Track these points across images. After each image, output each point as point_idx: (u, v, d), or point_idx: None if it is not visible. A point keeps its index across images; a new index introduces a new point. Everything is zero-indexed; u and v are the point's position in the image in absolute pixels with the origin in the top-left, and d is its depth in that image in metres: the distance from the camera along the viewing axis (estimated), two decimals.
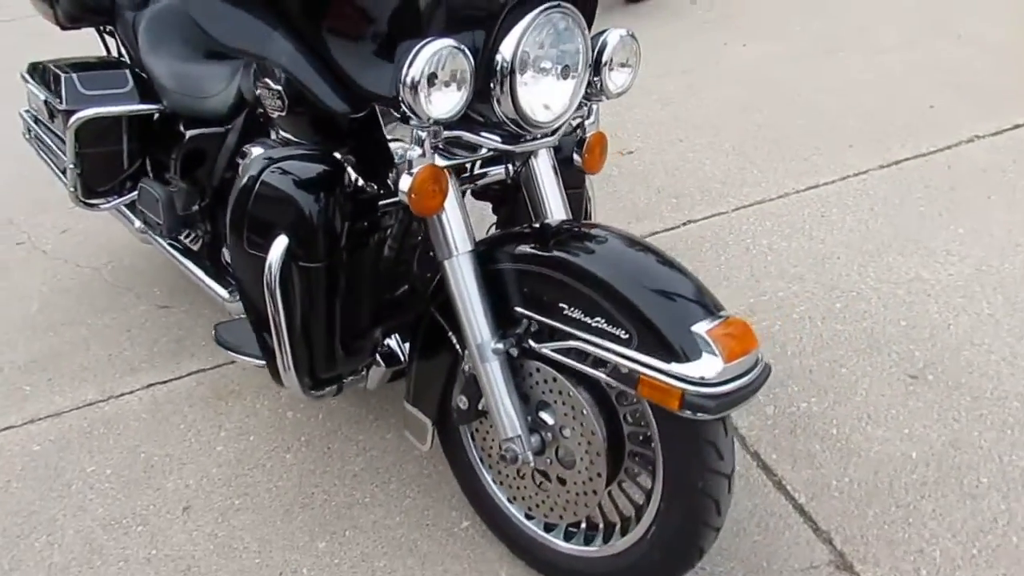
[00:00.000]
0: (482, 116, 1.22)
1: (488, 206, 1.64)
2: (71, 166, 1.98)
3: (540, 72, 1.18)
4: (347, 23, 1.17)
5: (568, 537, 1.40)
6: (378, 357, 1.55)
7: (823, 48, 3.90)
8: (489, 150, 1.27)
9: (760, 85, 3.53)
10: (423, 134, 1.15)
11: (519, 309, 1.25)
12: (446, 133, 1.18)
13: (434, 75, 1.09)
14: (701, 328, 1.08)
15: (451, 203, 1.23)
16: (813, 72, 3.61)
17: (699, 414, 1.06)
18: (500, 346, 1.25)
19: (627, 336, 1.11)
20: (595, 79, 1.31)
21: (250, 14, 1.19)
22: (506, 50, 1.13)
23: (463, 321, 1.25)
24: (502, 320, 1.27)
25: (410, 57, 1.07)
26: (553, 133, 1.27)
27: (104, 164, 2.10)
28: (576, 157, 1.43)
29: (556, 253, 1.21)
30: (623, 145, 3.14)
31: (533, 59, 1.16)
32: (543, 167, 1.37)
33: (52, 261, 2.74)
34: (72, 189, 2.03)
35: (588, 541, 1.38)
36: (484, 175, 1.42)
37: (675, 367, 1.07)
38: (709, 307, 1.13)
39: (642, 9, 4.74)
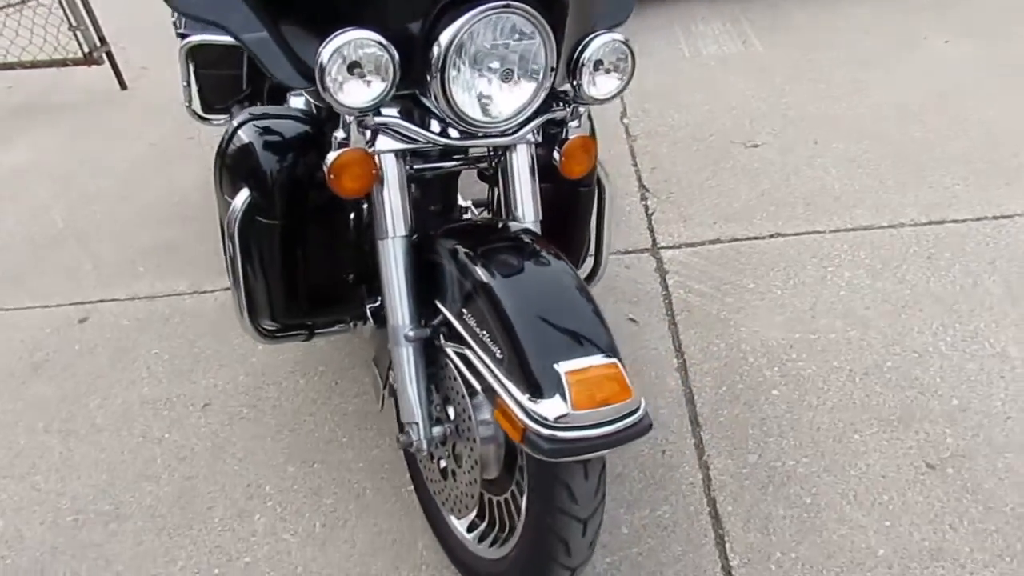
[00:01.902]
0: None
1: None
2: (184, 84, 2.22)
3: (485, 71, 1.17)
4: (296, 3, 1.21)
5: (470, 529, 1.45)
6: (369, 313, 1.64)
7: None
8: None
9: (938, 92, 3.09)
10: (348, 118, 1.18)
11: (437, 303, 1.28)
12: (378, 119, 1.20)
13: (356, 64, 1.11)
14: (564, 367, 1.06)
15: (390, 187, 1.26)
16: (1009, 88, 3.09)
17: (536, 453, 1.05)
18: (412, 333, 1.29)
19: (500, 356, 1.11)
20: (575, 82, 1.26)
21: None
22: (439, 46, 1.12)
23: (386, 302, 1.30)
24: (425, 309, 1.30)
25: (321, 46, 1.09)
26: (511, 133, 1.26)
27: (219, 84, 2.33)
28: (556, 156, 1.39)
29: (472, 258, 1.21)
30: (750, 136, 2.93)
31: (474, 57, 1.15)
32: (517, 164, 1.35)
33: (210, 159, 3.10)
34: (185, 103, 2.28)
35: (482, 539, 1.42)
36: (442, 165, 1.41)
37: (526, 400, 1.06)
38: (590, 347, 1.09)
39: None
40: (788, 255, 2.28)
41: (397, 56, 1.12)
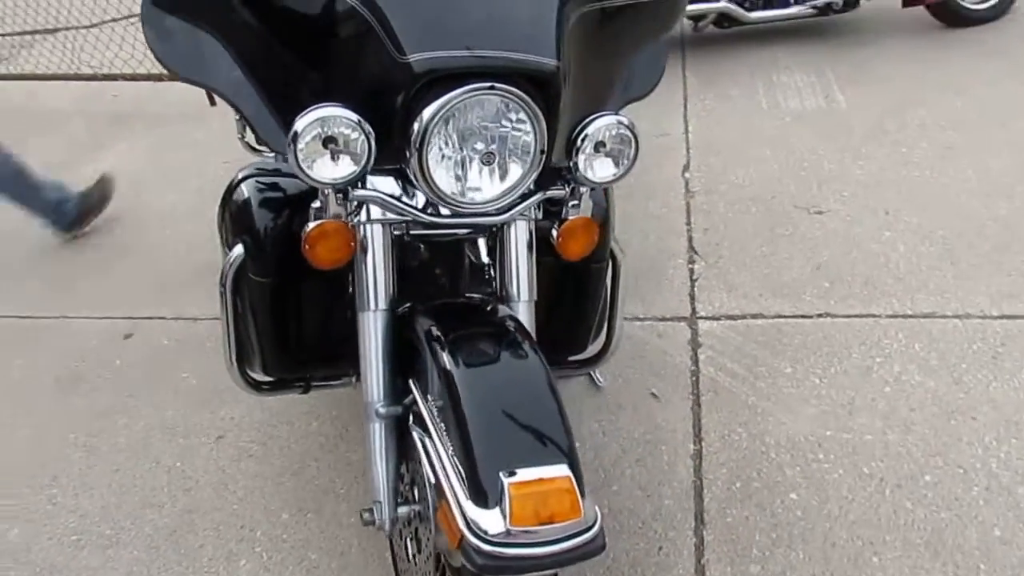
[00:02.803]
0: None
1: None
2: (236, 117, 2.27)
3: (469, 151, 1.14)
4: (276, 71, 1.20)
5: None
6: None
7: None
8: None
9: None
10: (326, 191, 1.17)
11: (410, 381, 1.25)
12: (359, 193, 1.18)
13: (332, 139, 1.09)
14: (510, 478, 1.00)
15: (374, 258, 1.24)
16: None
17: (470, 565, 0.99)
18: (382, 410, 1.26)
19: (452, 452, 1.07)
20: (571, 163, 1.22)
21: (201, 41, 1.24)
22: (420, 122, 1.09)
23: (361, 375, 1.28)
24: (400, 385, 1.27)
25: (296, 119, 1.08)
26: (500, 212, 1.21)
27: None
28: (554, 236, 1.33)
29: (442, 342, 1.17)
30: (816, 201, 2.77)
31: (456, 137, 1.12)
32: (514, 240, 1.31)
33: None
34: (239, 136, 2.33)
35: None
36: (439, 233, 1.37)
37: (469, 506, 1.01)
38: (545, 456, 1.04)
39: (967, 35, 4.00)
40: (834, 339, 2.13)
41: (372, 135, 1.10)
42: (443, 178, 1.14)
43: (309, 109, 1.08)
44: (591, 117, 1.21)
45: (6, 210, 2.81)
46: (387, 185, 1.27)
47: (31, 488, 1.91)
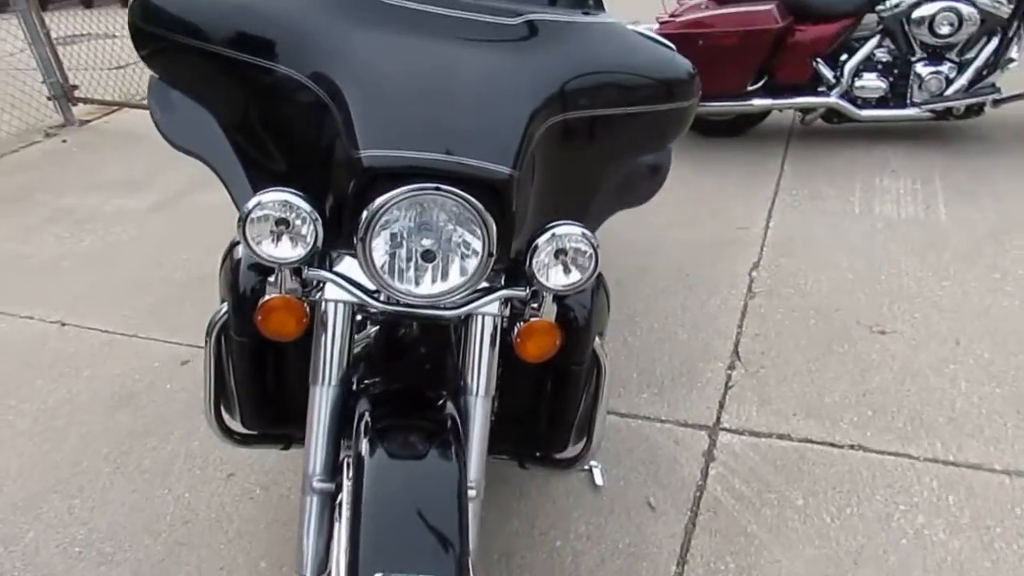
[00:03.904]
0: None
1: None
2: None
3: (417, 246, 1.17)
4: (253, 148, 1.29)
5: None
6: None
7: None
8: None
9: None
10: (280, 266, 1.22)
11: (346, 460, 1.27)
12: (311, 272, 1.22)
13: (284, 221, 1.15)
14: None
15: (329, 334, 1.27)
16: None
17: None
18: (316, 485, 1.29)
19: (346, 541, 1.08)
20: (527, 267, 1.22)
21: (196, 114, 1.34)
22: (364, 216, 1.13)
23: (305, 446, 1.32)
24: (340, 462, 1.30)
25: (250, 199, 1.14)
26: (451, 308, 1.24)
27: None
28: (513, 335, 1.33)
29: (367, 429, 1.20)
30: (882, 320, 2.60)
31: (400, 233, 1.15)
32: (473, 335, 1.32)
33: None
34: None
35: None
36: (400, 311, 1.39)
37: None
38: (428, 566, 1.03)
39: None
40: (860, 476, 1.98)
41: (319, 221, 1.15)
42: (385, 271, 1.18)
43: (263, 191, 1.15)
44: (553, 224, 1.22)
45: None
46: (353, 266, 1.32)
47: (58, 495, 2.08)
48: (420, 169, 1.12)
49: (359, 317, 1.45)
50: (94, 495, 2.07)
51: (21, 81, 5.07)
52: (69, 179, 4.29)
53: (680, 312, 2.74)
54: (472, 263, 1.19)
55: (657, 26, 3.95)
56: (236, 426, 1.63)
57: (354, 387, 1.36)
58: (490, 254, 1.18)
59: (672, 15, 4.01)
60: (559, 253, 1.22)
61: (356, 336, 1.59)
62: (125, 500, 2.05)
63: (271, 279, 1.27)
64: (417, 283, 1.21)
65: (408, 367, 1.51)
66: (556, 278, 1.24)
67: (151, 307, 2.96)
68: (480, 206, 1.14)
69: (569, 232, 1.21)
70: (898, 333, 2.54)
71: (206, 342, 1.52)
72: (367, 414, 1.24)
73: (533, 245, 1.21)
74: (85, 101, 5.21)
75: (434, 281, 1.20)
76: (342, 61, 1.21)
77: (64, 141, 4.95)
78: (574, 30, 1.38)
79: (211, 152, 1.31)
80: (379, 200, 1.12)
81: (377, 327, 1.54)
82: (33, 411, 2.41)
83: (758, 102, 4.02)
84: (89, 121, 5.20)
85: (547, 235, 1.21)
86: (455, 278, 1.20)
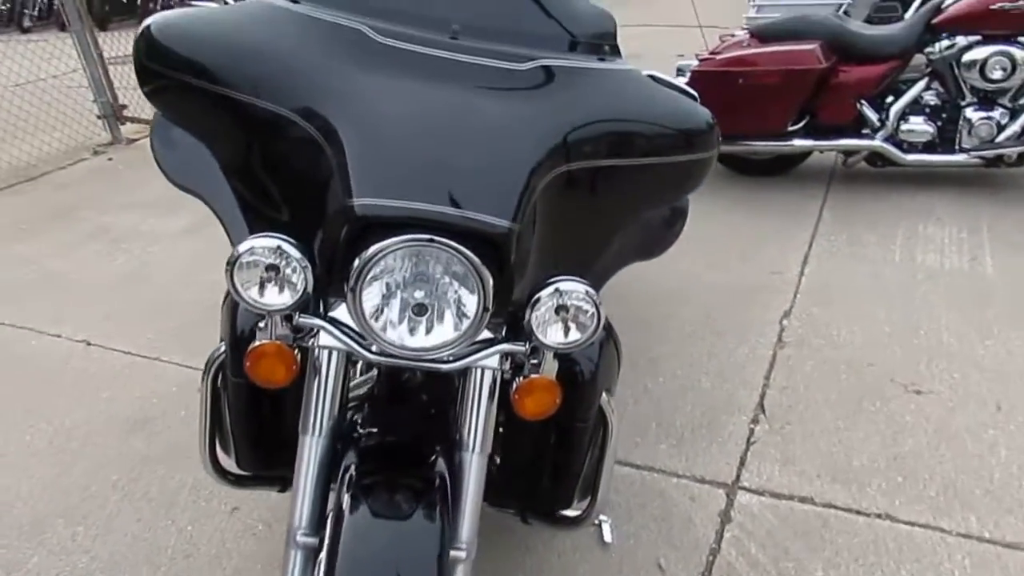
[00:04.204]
0: None
1: None
2: None
3: (411, 298, 1.13)
4: (251, 189, 1.27)
5: None
6: None
7: None
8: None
9: None
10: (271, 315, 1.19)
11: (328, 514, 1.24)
12: (303, 320, 1.19)
13: (273, 267, 1.12)
14: None
15: (320, 383, 1.24)
16: None
17: None
18: (300, 539, 1.25)
19: None
20: (526, 323, 1.17)
21: (197, 153, 1.32)
22: (356, 265, 1.10)
23: (291, 496, 1.28)
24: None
25: (240, 243, 1.12)
26: (446, 361, 1.19)
27: None
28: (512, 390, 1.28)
29: (349, 483, 1.17)
30: (918, 379, 2.48)
31: (393, 285, 1.12)
32: (471, 389, 1.27)
33: None
34: None
35: None
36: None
37: None
38: None
39: None
40: (885, 548, 1.87)
41: (309, 268, 1.12)
42: (375, 321, 1.14)
43: (254, 235, 1.13)
44: (556, 279, 1.17)
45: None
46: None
47: (64, 521, 2.08)
48: (414, 220, 1.09)
49: (359, 362, 1.42)
50: (99, 522, 2.07)
51: (73, 99, 5.24)
52: (111, 197, 4.39)
53: (706, 359, 2.65)
54: (467, 317, 1.15)
55: (697, 63, 3.90)
56: (231, 465, 1.60)
57: (346, 435, 1.33)
58: (486, 309, 1.14)
59: (713, 52, 3.95)
60: (560, 309, 1.18)
61: (359, 377, 1.56)
62: (129, 529, 2.04)
63: (261, 324, 1.25)
64: (412, 334, 1.17)
65: (409, 413, 1.46)
66: (555, 335, 1.19)
67: (175, 330, 2.97)
68: (476, 260, 1.10)
69: (572, 289, 1.16)
70: (935, 393, 2.41)
71: (203, 380, 1.50)
72: (353, 467, 1.20)
73: (535, 298, 1.17)
74: (133, 120, 5.34)
75: (428, 333, 1.17)
76: (341, 104, 1.19)
77: (110, 159, 5.07)
78: (587, 77, 1.33)
79: (210, 192, 1.30)
80: (371, 249, 1.09)
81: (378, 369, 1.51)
82: (50, 431, 2.43)
83: (799, 143, 3.93)
84: (136, 140, 5.32)
85: (549, 289, 1.16)
86: (448, 332, 1.16)
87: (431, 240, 1.08)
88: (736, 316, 2.91)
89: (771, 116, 3.85)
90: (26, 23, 11.03)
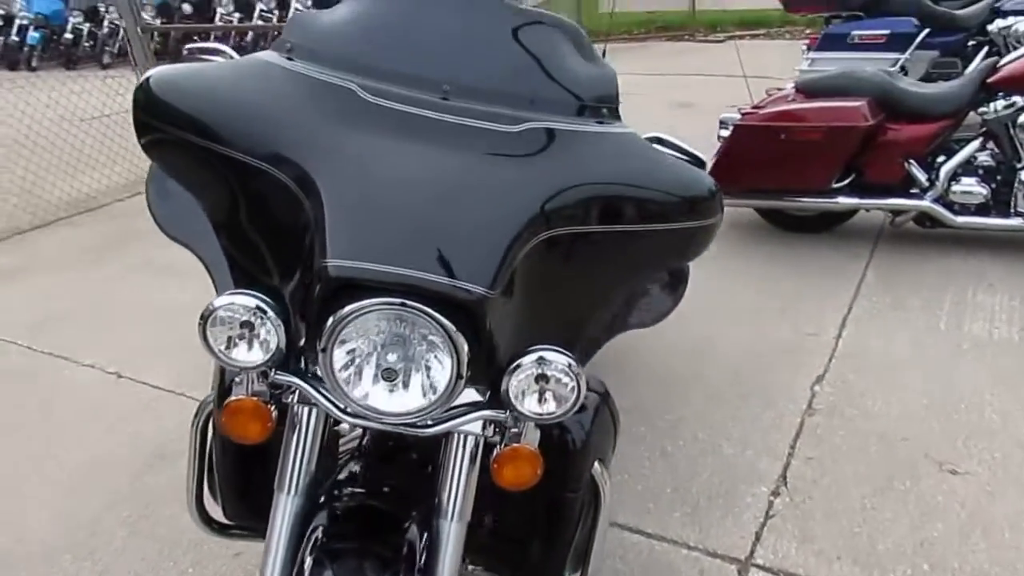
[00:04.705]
0: None
1: None
2: None
3: (373, 363, 1.11)
4: (238, 243, 1.27)
5: None
6: None
7: None
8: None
9: None
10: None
11: None
12: (280, 377, 1.17)
13: (248, 324, 1.11)
14: None
15: (298, 440, 1.22)
16: None
17: None
18: None
19: None
20: (503, 390, 1.14)
21: (189, 206, 1.34)
22: (327, 325, 1.08)
23: (263, 554, 1.26)
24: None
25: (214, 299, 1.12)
26: (421, 425, 1.16)
27: None
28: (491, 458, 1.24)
29: (318, 547, 1.14)
30: (955, 457, 2.34)
31: (365, 349, 1.10)
32: (450, 455, 1.23)
33: None
34: None
35: None
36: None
37: None
38: None
39: None
40: None
41: (283, 327, 1.11)
42: (347, 384, 1.12)
43: (229, 292, 1.13)
44: (538, 348, 1.14)
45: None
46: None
47: (72, 556, 2.10)
48: (387, 284, 1.08)
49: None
50: (105, 559, 2.09)
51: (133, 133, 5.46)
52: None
53: (729, 423, 2.56)
54: (441, 384, 1.12)
55: (739, 117, 3.85)
56: (218, 514, 1.60)
57: (326, 491, 1.30)
58: (459, 376, 1.11)
59: (756, 106, 3.89)
60: (539, 379, 1.14)
61: (350, 432, 1.55)
62: (132, 568, 2.05)
63: (238, 379, 1.24)
64: (390, 395, 1.15)
65: (398, 469, 1.44)
66: (532, 405, 1.15)
67: (203, 366, 3.01)
68: (451, 326, 1.08)
69: (554, 359, 1.13)
70: (971, 474, 2.27)
71: (192, 426, 1.50)
72: (321, 529, 1.18)
73: (515, 364, 1.13)
74: None
75: (400, 397, 1.14)
76: (324, 162, 1.19)
77: None
78: (582, 140, 1.31)
79: (200, 245, 1.31)
80: (343, 311, 1.08)
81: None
82: (71, 463, 2.47)
83: (844, 200, 3.82)
84: None
85: (532, 357, 1.13)
86: (419, 399, 1.13)
87: (403, 304, 1.07)
88: (765, 378, 2.81)
89: (813, 173, 3.75)
90: (106, 60, 11.66)
